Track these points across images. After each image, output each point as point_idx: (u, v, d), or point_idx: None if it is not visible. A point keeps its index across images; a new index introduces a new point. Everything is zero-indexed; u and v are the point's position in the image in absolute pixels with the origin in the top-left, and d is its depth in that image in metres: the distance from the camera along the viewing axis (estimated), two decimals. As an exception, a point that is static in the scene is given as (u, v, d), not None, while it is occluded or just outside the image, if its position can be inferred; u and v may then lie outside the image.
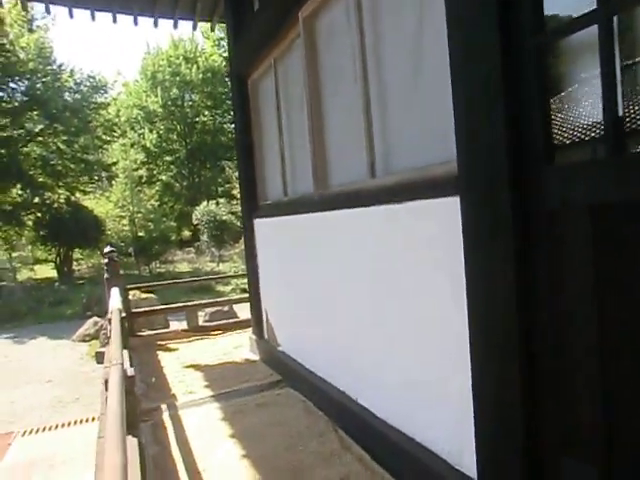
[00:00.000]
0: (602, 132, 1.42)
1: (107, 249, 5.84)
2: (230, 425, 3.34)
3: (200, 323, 6.59)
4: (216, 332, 6.29)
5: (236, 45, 5.17)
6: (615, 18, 1.38)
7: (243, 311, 9.42)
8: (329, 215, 3.30)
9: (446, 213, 2.09)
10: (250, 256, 5.17)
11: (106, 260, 5.76)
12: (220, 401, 3.85)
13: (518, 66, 1.63)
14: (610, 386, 1.48)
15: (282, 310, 4.58)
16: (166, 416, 3.62)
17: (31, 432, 6.25)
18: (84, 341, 12.09)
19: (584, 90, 1.71)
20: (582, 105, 1.64)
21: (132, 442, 2.24)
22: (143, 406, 3.85)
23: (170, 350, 5.65)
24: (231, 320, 6.91)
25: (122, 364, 2.42)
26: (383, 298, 2.75)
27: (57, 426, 6.51)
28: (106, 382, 2.26)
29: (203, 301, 7.64)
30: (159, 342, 5.94)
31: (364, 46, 2.87)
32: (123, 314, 4.08)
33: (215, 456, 2.94)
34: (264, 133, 4.91)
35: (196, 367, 4.85)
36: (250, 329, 5.68)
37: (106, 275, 5.67)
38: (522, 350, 1.70)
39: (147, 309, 6.88)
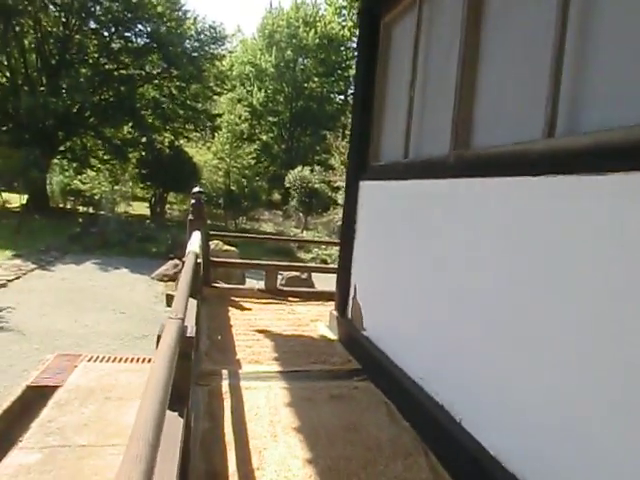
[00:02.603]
0: None
1: (195, 189, 5.41)
2: (297, 415, 2.76)
3: (278, 286, 6.09)
4: (293, 299, 5.76)
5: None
6: None
7: (321, 282, 8.92)
8: (467, 183, 2.56)
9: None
10: (348, 222, 4.52)
11: (193, 201, 5.36)
12: (288, 380, 3.29)
13: None
14: None
15: (376, 290, 3.92)
16: (225, 385, 3.11)
17: (96, 359, 6.28)
18: (162, 280, 12.26)
19: None
20: None
21: (175, 421, 1.71)
22: (203, 367, 3.37)
23: (243, 309, 5.19)
24: (311, 289, 6.35)
25: (182, 320, 1.89)
26: (538, 304, 1.99)
27: (121, 359, 6.46)
28: (158, 339, 1.74)
29: (285, 263, 7.16)
30: (233, 297, 5.50)
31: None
32: (199, 260, 3.62)
33: (274, 452, 2.37)
34: (390, 84, 4.18)
35: (267, 334, 4.33)
36: (331, 303, 5.10)
37: (190, 216, 5.27)
38: None
39: (226, 260, 6.48)
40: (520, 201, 2.12)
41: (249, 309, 5.18)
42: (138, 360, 6.53)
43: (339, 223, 23.19)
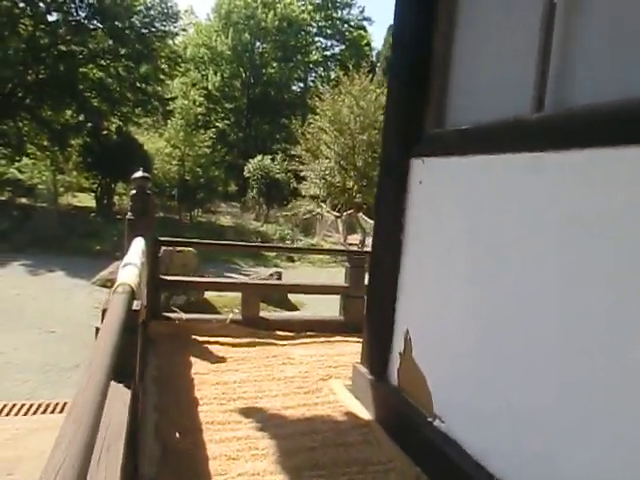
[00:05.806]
0: None
1: (138, 174, 3.49)
2: None
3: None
4: (283, 333, 3.91)
5: None
6: None
7: (290, 274, 7.08)
8: None
9: None
10: (386, 225, 2.78)
11: (133, 191, 3.49)
12: None
13: None
14: None
15: (460, 345, 2.18)
16: None
17: (1, 411, 4.65)
18: (104, 286, 10.22)
19: None
20: None
21: None
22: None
23: (212, 360, 3.24)
24: (307, 317, 4.53)
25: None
26: None
27: (38, 408, 4.75)
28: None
29: (270, 281, 5.39)
30: (195, 336, 3.63)
31: None
32: (136, 304, 1.84)
33: None
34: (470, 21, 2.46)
35: (258, 414, 2.54)
36: (342, 341, 3.41)
37: (129, 215, 3.38)
38: None
39: (183, 279, 4.58)
40: None
41: (222, 359, 3.30)
42: (62, 408, 4.81)
43: (306, 216, 21.62)
